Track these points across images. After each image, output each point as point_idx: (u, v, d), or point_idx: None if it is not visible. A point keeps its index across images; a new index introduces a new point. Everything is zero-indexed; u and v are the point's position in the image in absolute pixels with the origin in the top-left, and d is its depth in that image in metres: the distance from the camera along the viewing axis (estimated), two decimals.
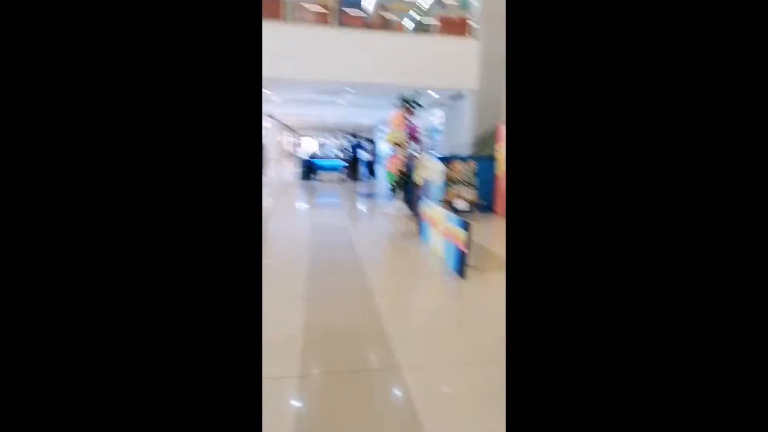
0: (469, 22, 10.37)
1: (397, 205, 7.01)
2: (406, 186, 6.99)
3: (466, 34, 10.41)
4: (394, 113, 6.94)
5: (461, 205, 6.57)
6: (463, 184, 6.82)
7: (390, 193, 7.27)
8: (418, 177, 6.87)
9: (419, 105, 6.92)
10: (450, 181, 6.84)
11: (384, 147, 17.13)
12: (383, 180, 11.62)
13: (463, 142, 10.92)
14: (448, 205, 6.62)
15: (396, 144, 6.90)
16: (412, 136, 6.91)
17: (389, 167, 7.15)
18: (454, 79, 10.04)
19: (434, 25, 10.06)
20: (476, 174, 6.88)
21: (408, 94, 6.91)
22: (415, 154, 6.93)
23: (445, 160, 6.82)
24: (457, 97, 11.08)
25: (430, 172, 6.76)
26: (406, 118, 6.89)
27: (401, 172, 6.90)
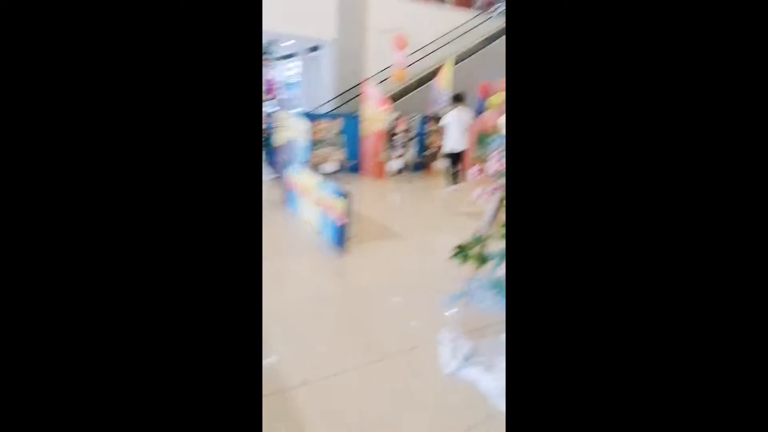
0: None
1: None
2: (266, 148, 6.21)
3: None
4: None
5: (330, 167, 6.12)
6: (330, 144, 6.34)
7: None
8: (280, 138, 6.13)
9: (274, 55, 6.05)
10: (316, 142, 6.29)
11: None
12: None
13: (324, 99, 10.30)
14: (316, 168, 6.11)
15: None
16: (269, 91, 6.07)
17: None
18: (309, 27, 9.16)
19: None
20: (343, 133, 6.46)
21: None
22: (274, 111, 6.13)
23: (309, 118, 6.21)
24: (315, 48, 10.25)
25: (292, 131, 6.09)
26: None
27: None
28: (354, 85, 9.85)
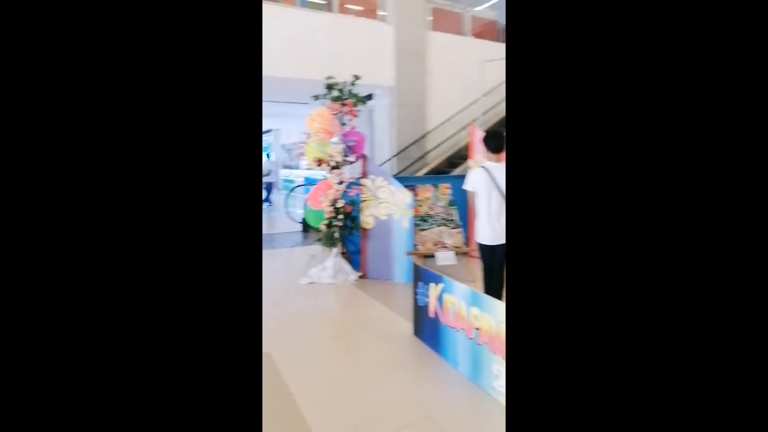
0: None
1: (333, 267, 4.15)
2: (346, 232, 4.21)
3: (376, 16, 8.09)
4: (315, 112, 4.11)
5: (446, 257, 4.06)
6: (443, 221, 4.32)
7: (319, 243, 4.37)
8: (369, 216, 4.15)
9: (360, 99, 4.20)
10: (420, 219, 4.28)
11: (293, 168, 13.47)
12: (292, 216, 8.42)
13: (380, 156, 8.55)
14: (422, 258, 4.05)
15: (321, 162, 4.09)
16: (356, 148, 4.17)
17: (312, 202, 4.28)
18: (366, 71, 7.62)
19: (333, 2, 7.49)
20: (454, 203, 4.45)
21: (333, 82, 4.16)
22: (362, 178, 4.20)
23: (404, 184, 4.25)
24: (368, 96, 8.64)
25: (389, 205, 4.11)
26: (338, 119, 4.13)
27: (336, 209, 4.10)
28: (420, 137, 8.13)
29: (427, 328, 2.66)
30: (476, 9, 9.40)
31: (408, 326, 2.90)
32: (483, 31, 9.04)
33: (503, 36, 9.29)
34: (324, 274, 4.12)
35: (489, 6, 10.16)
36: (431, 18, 8.25)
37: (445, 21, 8.54)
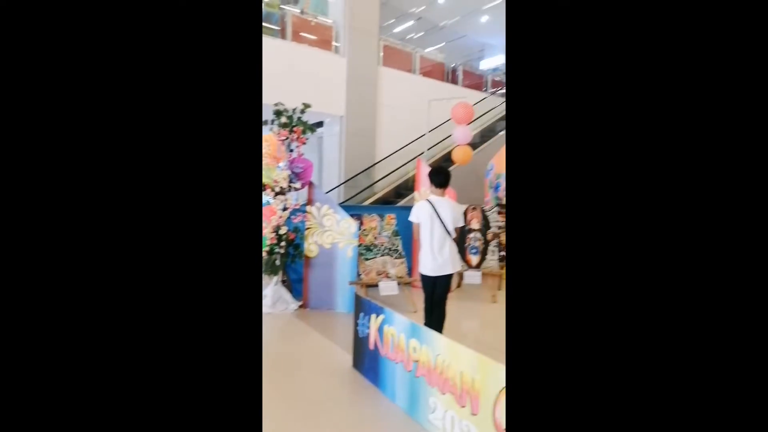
0: (330, 32, 8.24)
1: (273, 295, 3.99)
2: (288, 259, 4.09)
3: (330, 47, 8.23)
4: (262, 137, 4.04)
5: (389, 287, 4.04)
6: (387, 251, 4.32)
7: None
8: (312, 244, 4.07)
9: (309, 127, 4.19)
10: (365, 249, 4.25)
11: None
12: None
13: (328, 183, 8.53)
14: (365, 288, 4.01)
15: (266, 187, 3.99)
16: (298, 175, 4.11)
17: None
18: (316, 100, 7.63)
19: (286, 29, 7.55)
20: (398, 233, 4.49)
21: (283, 109, 4.14)
22: (308, 205, 4.13)
23: (350, 213, 4.23)
24: (318, 123, 8.66)
25: (333, 234, 4.06)
26: (285, 145, 4.07)
27: (279, 235, 3.98)
28: (369, 165, 8.23)
29: (367, 361, 2.61)
30: (426, 50, 9.91)
31: (347, 358, 2.83)
32: (431, 71, 9.49)
33: (449, 77, 9.83)
34: (262, 303, 3.95)
35: (437, 48, 10.77)
36: (382, 54, 8.55)
37: (395, 58, 8.88)
